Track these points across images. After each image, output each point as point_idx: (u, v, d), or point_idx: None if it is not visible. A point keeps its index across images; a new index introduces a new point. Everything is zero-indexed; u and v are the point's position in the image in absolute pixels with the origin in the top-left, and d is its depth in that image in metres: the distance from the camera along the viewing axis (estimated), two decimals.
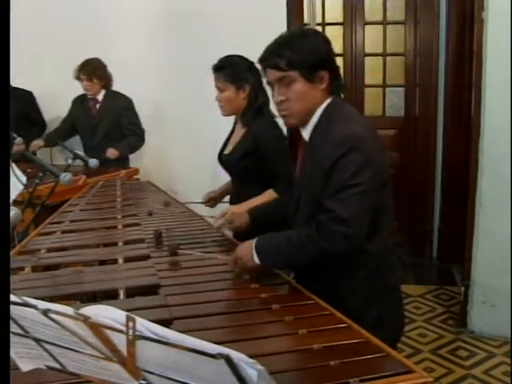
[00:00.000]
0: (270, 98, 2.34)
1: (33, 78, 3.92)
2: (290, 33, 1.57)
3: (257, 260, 1.52)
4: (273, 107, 2.34)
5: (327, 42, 1.57)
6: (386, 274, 1.59)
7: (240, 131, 2.37)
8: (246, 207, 2.15)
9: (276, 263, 1.56)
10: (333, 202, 1.42)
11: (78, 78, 3.69)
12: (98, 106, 3.82)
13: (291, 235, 1.52)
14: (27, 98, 4.07)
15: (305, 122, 1.58)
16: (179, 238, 2.01)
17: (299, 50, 1.51)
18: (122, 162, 3.74)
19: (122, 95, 3.82)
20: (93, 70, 3.68)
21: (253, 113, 2.30)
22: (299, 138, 1.67)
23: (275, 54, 1.53)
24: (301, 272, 1.65)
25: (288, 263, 1.57)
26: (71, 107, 3.95)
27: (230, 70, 2.27)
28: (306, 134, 1.60)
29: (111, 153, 3.61)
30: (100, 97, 3.81)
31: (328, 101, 1.57)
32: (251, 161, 2.27)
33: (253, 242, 1.55)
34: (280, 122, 2.32)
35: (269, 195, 2.23)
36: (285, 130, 2.34)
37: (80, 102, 3.89)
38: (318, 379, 1.05)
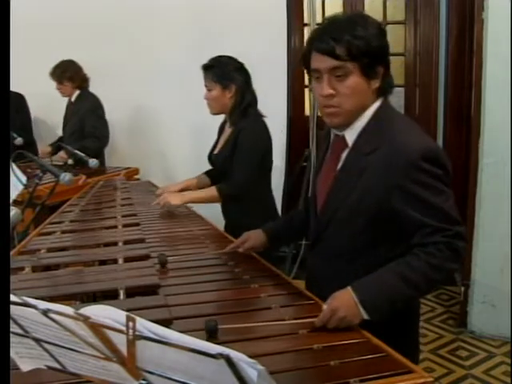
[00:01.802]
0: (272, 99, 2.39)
1: (28, 81, 3.89)
2: (347, 16, 1.33)
3: (366, 316, 1.25)
4: (272, 108, 2.38)
5: (385, 33, 1.36)
6: None
7: (228, 131, 2.42)
8: (183, 197, 2.30)
9: (392, 309, 1.29)
10: (441, 218, 1.28)
11: (52, 79, 3.77)
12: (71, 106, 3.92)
13: (404, 274, 1.27)
14: (17, 100, 4.09)
15: (349, 124, 1.39)
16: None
17: (362, 37, 1.28)
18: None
19: (92, 97, 3.87)
20: (61, 73, 3.75)
21: (239, 113, 2.34)
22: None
23: (333, 37, 1.29)
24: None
25: (405, 302, 1.33)
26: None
27: (218, 69, 2.32)
28: (349, 136, 1.40)
29: (59, 156, 3.66)
30: (73, 98, 3.88)
31: (378, 103, 1.39)
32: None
33: (353, 296, 1.26)
34: (277, 124, 2.36)
35: (210, 191, 2.31)
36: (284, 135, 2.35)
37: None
38: (318, 379, 1.06)
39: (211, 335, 1.20)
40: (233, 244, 1.80)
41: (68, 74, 3.76)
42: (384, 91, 1.39)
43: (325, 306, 1.28)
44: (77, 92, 3.85)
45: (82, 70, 3.84)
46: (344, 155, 1.43)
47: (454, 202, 1.33)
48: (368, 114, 1.38)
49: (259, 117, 2.35)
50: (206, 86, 2.36)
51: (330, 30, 1.32)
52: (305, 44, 1.43)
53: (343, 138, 1.42)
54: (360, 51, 1.29)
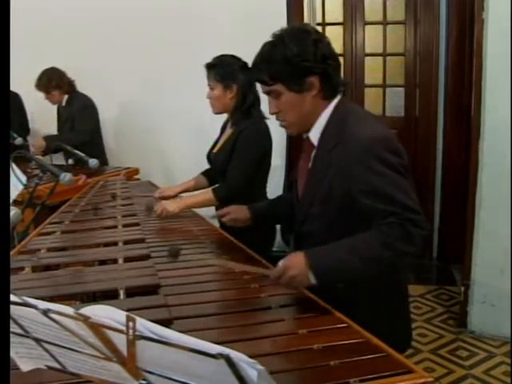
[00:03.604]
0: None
1: (24, 79, 3.80)
2: (272, 39, 1.47)
3: (313, 281, 1.34)
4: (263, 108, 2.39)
5: (316, 43, 1.43)
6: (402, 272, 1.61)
7: (229, 131, 2.42)
8: (180, 203, 2.31)
9: (338, 280, 1.40)
10: (392, 204, 1.33)
11: (37, 90, 3.76)
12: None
13: (355, 246, 1.34)
14: (13, 98, 4.05)
15: (306, 129, 1.53)
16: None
17: (278, 61, 1.42)
18: (101, 160, 3.71)
19: (81, 97, 3.86)
20: (47, 83, 3.74)
21: (241, 114, 2.35)
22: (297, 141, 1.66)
23: (257, 68, 1.49)
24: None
25: (353, 278, 1.39)
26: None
27: (220, 69, 2.32)
28: (313, 137, 1.52)
29: (39, 142, 3.66)
30: (64, 102, 3.89)
31: (334, 102, 1.49)
32: None
33: (304, 260, 1.35)
34: (277, 125, 2.36)
35: (206, 194, 2.33)
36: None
37: (58, 108, 4.00)
38: (318, 379, 1.05)
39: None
40: (219, 211, 1.95)
41: (54, 82, 3.75)
42: (332, 93, 1.49)
43: (281, 262, 1.39)
44: (66, 96, 3.86)
45: (66, 74, 3.82)
46: (313, 155, 1.54)
47: (411, 189, 1.38)
48: (326, 114, 1.49)
49: (262, 118, 2.34)
50: (208, 84, 2.36)
51: (255, 61, 1.50)
52: None
53: (309, 139, 1.54)
54: (280, 73, 1.43)
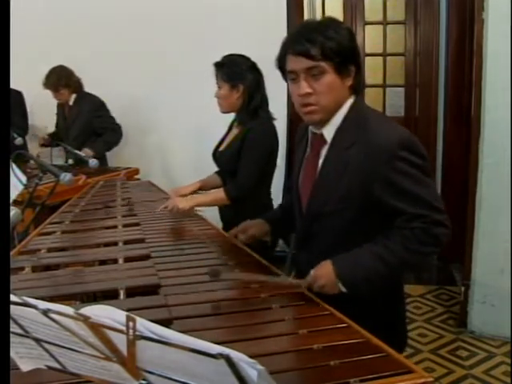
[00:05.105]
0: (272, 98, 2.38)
1: (26, 76, 3.82)
2: (319, 20, 1.43)
3: (343, 289, 1.38)
4: (271, 108, 2.38)
5: (354, 37, 1.45)
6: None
7: (235, 130, 2.42)
8: (191, 201, 2.29)
9: (366, 288, 1.39)
10: (418, 205, 1.34)
11: (46, 88, 3.74)
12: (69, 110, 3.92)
13: (381, 254, 1.36)
14: (15, 96, 4.03)
15: (328, 120, 1.45)
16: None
17: (334, 38, 1.36)
18: (101, 160, 3.73)
19: (90, 98, 3.86)
20: (57, 81, 3.73)
21: (247, 114, 2.34)
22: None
23: (307, 39, 1.37)
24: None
25: (380, 284, 1.41)
26: (57, 111, 4.04)
27: (228, 68, 2.32)
28: (327, 133, 1.47)
29: (86, 152, 3.59)
30: (71, 102, 3.87)
31: (351, 100, 1.46)
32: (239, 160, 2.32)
33: (332, 270, 1.38)
34: (277, 124, 2.36)
35: (218, 193, 2.32)
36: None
37: (61, 105, 3.99)
38: (318, 379, 1.05)
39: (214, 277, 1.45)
40: (233, 230, 1.88)
41: (63, 81, 3.74)
42: (357, 89, 1.47)
43: (312, 272, 1.41)
44: (73, 95, 3.85)
45: (74, 73, 3.82)
46: (324, 152, 1.48)
47: (435, 190, 1.41)
48: (343, 110, 1.45)
49: (269, 119, 2.33)
50: (216, 83, 2.36)
51: (304, 32, 1.39)
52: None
53: (321, 136, 1.48)
54: (332, 51, 1.37)
